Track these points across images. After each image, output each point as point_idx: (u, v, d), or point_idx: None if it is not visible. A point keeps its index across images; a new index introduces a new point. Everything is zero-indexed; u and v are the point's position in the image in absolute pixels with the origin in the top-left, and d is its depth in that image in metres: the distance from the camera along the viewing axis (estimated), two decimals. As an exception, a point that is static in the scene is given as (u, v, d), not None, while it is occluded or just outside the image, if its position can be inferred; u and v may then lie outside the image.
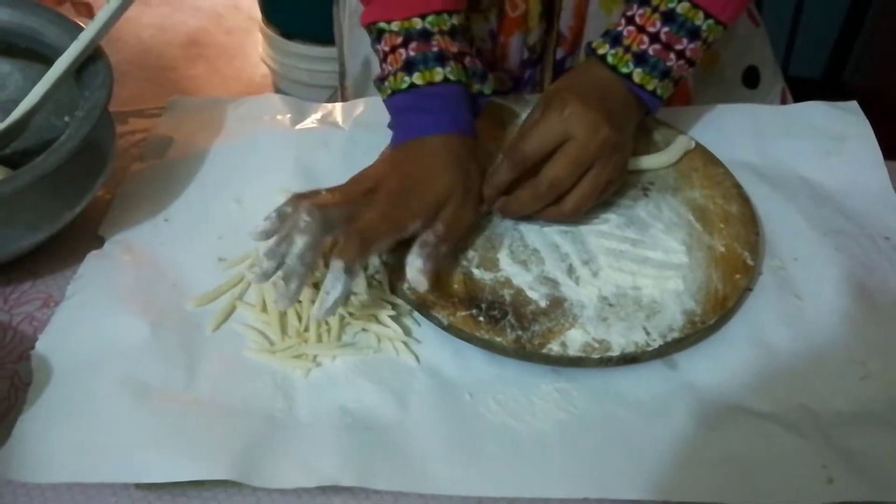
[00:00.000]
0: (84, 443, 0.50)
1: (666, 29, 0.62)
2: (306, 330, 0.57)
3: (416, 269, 0.54)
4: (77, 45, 0.62)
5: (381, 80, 0.64)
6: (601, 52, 0.63)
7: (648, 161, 0.68)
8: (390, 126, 0.64)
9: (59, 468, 0.49)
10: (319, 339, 0.56)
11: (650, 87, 0.62)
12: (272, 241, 0.53)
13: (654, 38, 0.62)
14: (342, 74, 0.93)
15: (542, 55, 0.79)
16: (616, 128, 0.59)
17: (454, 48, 0.63)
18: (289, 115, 0.76)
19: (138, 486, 0.49)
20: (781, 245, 0.65)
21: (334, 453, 0.50)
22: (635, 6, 0.63)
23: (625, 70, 0.62)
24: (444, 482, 0.49)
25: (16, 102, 0.64)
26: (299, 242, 0.52)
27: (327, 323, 0.57)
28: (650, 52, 0.62)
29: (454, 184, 0.58)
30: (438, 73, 0.61)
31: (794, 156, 0.73)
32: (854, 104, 0.79)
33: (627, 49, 0.62)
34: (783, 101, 0.86)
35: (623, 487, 0.49)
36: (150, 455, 0.49)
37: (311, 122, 0.76)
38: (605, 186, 0.60)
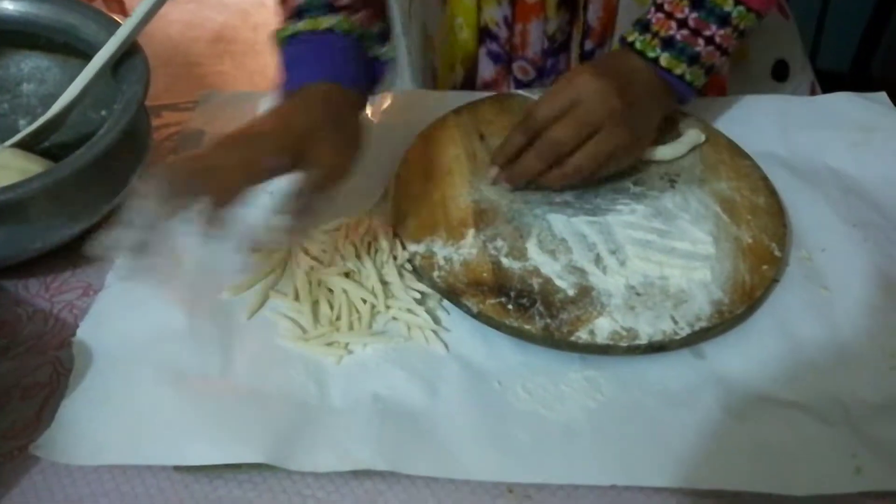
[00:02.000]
0: (124, 427, 0.52)
1: (694, 15, 0.62)
2: (338, 318, 0.58)
3: (277, 225, 0.51)
4: (114, 40, 0.64)
5: (275, 32, 0.63)
6: (630, 38, 0.65)
7: (654, 152, 0.68)
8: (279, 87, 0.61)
9: (101, 451, 0.50)
10: (351, 327, 0.57)
11: (678, 72, 0.63)
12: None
13: (682, 23, 0.63)
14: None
15: (565, 44, 0.80)
16: (628, 103, 0.60)
17: (345, 2, 0.62)
18: (318, 109, 0.77)
19: (177, 468, 0.51)
20: (809, 236, 0.65)
21: (366, 439, 0.51)
22: None
23: (652, 54, 0.63)
24: (474, 468, 0.50)
25: (55, 97, 0.66)
26: (146, 207, 0.47)
27: (358, 311, 0.58)
28: (678, 37, 0.63)
29: (316, 121, 0.54)
30: (324, 22, 0.60)
31: (822, 147, 0.73)
32: (883, 95, 0.79)
33: (655, 35, 0.63)
34: (812, 95, 0.86)
35: (650, 475, 0.50)
36: (188, 439, 0.50)
37: (339, 115, 0.77)
38: (608, 156, 0.61)
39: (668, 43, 0.63)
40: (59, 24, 0.67)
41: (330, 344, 0.56)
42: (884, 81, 0.85)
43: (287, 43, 0.62)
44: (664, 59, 0.63)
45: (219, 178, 0.49)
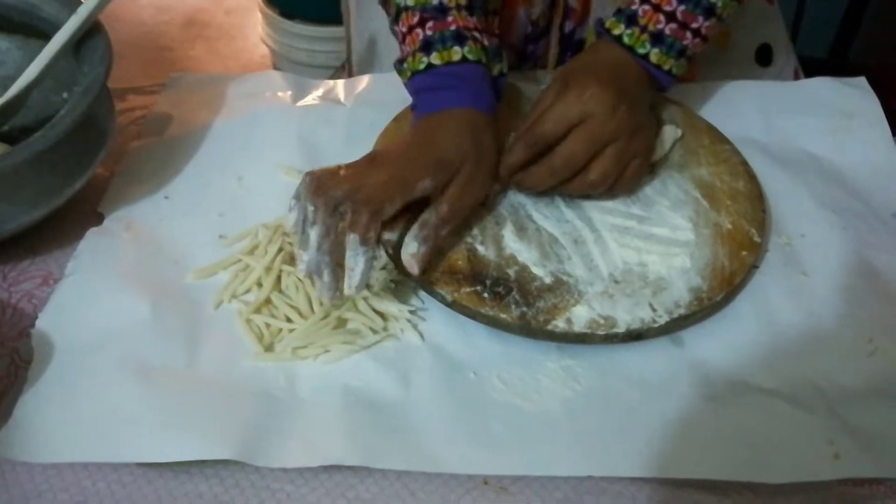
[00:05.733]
0: (85, 422, 0.50)
1: (682, 7, 0.61)
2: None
3: (409, 252, 0.54)
4: (75, 19, 0.61)
5: (401, 62, 0.63)
6: (616, 32, 0.62)
7: None
8: (412, 108, 0.63)
9: (61, 448, 0.49)
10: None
11: (666, 67, 0.62)
12: (299, 232, 0.53)
13: (671, 17, 0.61)
14: (349, 54, 0.91)
15: (546, 29, 0.78)
16: (632, 108, 0.59)
17: (471, 24, 0.62)
18: (290, 92, 0.75)
19: (140, 463, 0.49)
20: (788, 222, 0.64)
21: (337, 432, 0.49)
22: None
23: (642, 50, 0.62)
24: (448, 461, 0.48)
25: (14, 79, 0.63)
26: (312, 235, 0.51)
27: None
28: (667, 31, 0.61)
29: (466, 151, 0.57)
30: (457, 53, 0.60)
31: (801, 132, 0.73)
32: (863, 80, 0.78)
33: (644, 29, 0.61)
34: (796, 80, 0.85)
35: (628, 465, 0.49)
36: (151, 435, 0.49)
37: (312, 98, 0.75)
38: (629, 161, 0.59)
39: (657, 38, 0.61)
40: (17, 2, 0.65)
41: (296, 351, 0.54)
42: (862, 68, 0.85)
43: (420, 73, 0.61)
44: (654, 55, 0.62)
45: (371, 201, 0.52)
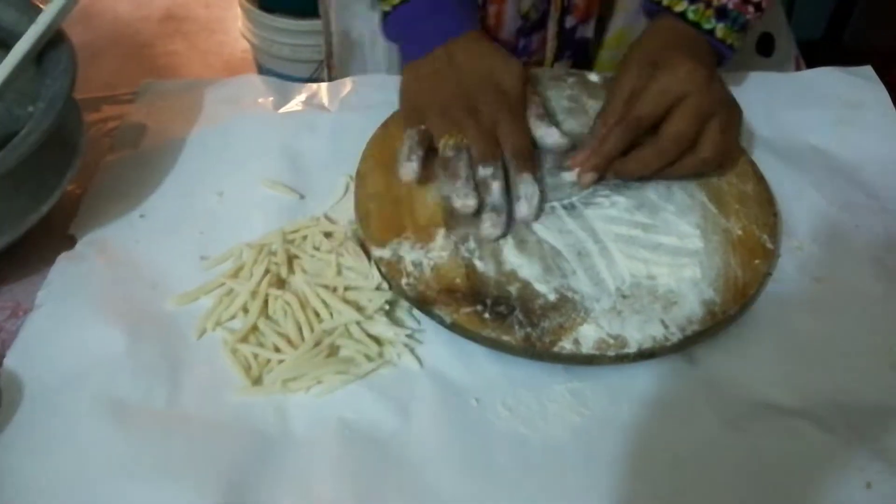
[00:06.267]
0: (58, 474, 0.46)
1: None
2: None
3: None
4: (35, 28, 0.57)
5: None
6: (679, 8, 0.63)
7: None
8: (401, 38, 0.67)
9: None
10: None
11: (729, 41, 0.64)
12: (461, 182, 0.56)
13: None
14: (328, 52, 0.87)
15: (539, 24, 0.75)
16: (719, 81, 0.60)
17: None
18: (271, 98, 0.71)
19: (121, 512, 0.45)
20: (798, 224, 0.61)
21: (333, 474, 0.46)
22: None
23: (708, 26, 0.63)
24: (452, 502, 0.45)
25: (-27, 92, 0.59)
26: (495, 186, 0.56)
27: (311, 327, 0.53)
28: (730, 5, 0.63)
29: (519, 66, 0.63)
30: None
31: (806, 126, 0.70)
32: (868, 69, 0.75)
33: (708, 4, 0.63)
34: (797, 69, 0.82)
35: (644, 500, 0.45)
36: (132, 486, 0.45)
37: (295, 104, 0.71)
38: (733, 135, 0.61)
39: (722, 13, 0.63)
40: (-27, 10, 0.60)
41: (286, 383, 0.50)
42: (857, 51, 0.82)
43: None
44: (720, 30, 0.63)
45: (520, 141, 0.59)
